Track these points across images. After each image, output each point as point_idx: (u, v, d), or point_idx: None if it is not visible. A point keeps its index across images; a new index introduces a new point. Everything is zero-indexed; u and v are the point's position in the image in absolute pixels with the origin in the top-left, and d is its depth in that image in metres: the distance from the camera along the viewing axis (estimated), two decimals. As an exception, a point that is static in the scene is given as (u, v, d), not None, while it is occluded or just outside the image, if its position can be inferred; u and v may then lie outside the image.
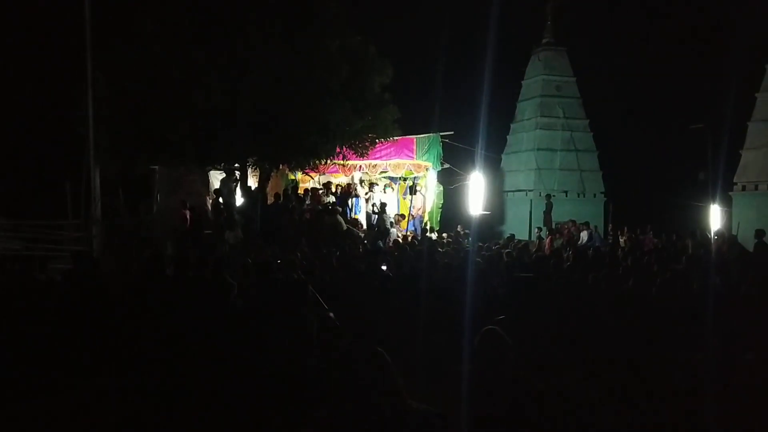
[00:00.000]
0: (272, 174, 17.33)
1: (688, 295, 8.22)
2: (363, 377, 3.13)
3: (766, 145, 20.85)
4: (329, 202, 17.93)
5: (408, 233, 18.30)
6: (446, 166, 21.32)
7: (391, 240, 16.50)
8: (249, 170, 16.77)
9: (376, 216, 18.42)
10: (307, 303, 6.24)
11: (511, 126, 28.80)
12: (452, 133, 21.07)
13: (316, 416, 3.77)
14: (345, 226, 16.23)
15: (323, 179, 20.32)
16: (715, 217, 18.76)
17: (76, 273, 7.44)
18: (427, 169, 21.16)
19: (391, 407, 3.06)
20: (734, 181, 21.87)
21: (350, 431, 2.98)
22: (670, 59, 34.37)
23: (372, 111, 16.44)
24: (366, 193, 20.16)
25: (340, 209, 17.35)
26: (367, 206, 19.69)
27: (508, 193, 27.86)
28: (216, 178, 17.86)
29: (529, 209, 23.97)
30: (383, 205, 18.83)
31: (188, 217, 15.28)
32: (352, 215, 18.82)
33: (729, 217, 20.33)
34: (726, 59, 21.74)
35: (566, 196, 26.19)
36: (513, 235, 18.98)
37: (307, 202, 17.27)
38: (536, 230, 21.18)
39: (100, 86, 13.74)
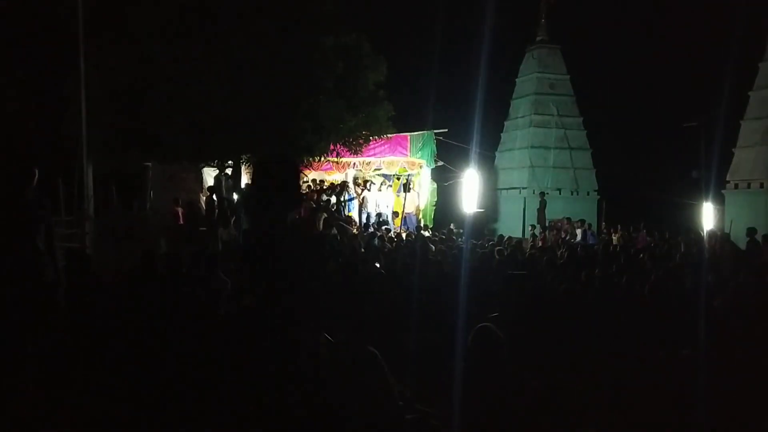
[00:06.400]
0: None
1: (680, 293, 8.24)
2: (356, 377, 3.16)
3: (758, 143, 20.92)
4: (325, 199, 17.92)
5: (401, 230, 18.31)
6: (440, 163, 21.34)
7: (386, 238, 16.48)
8: (243, 167, 16.72)
9: (377, 216, 18.50)
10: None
11: (505, 123, 28.80)
12: (446, 130, 21.11)
13: (309, 416, 3.75)
14: (337, 224, 16.20)
15: (316, 176, 20.29)
16: (707, 215, 18.78)
17: (69, 270, 7.40)
18: (421, 167, 21.17)
19: (384, 407, 3.09)
20: (727, 179, 21.93)
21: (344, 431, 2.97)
22: (663, 57, 34.48)
23: (366, 108, 16.40)
24: (359, 191, 20.10)
25: (335, 206, 17.35)
26: (365, 205, 19.67)
27: (502, 191, 27.85)
28: (209, 174, 17.81)
29: (522, 207, 23.97)
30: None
31: (180, 214, 15.23)
32: (346, 213, 18.82)
33: (722, 215, 20.37)
34: (719, 57, 21.77)
35: (560, 193, 26.21)
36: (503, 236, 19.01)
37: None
38: (530, 228, 21.20)
39: (92, 82, 13.65)
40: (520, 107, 27.87)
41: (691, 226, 19.35)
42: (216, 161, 16.27)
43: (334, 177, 20.78)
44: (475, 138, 19.61)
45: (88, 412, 4.88)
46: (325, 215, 16.03)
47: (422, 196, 21.18)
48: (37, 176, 4.82)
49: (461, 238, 16.52)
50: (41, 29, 14.79)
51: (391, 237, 15.41)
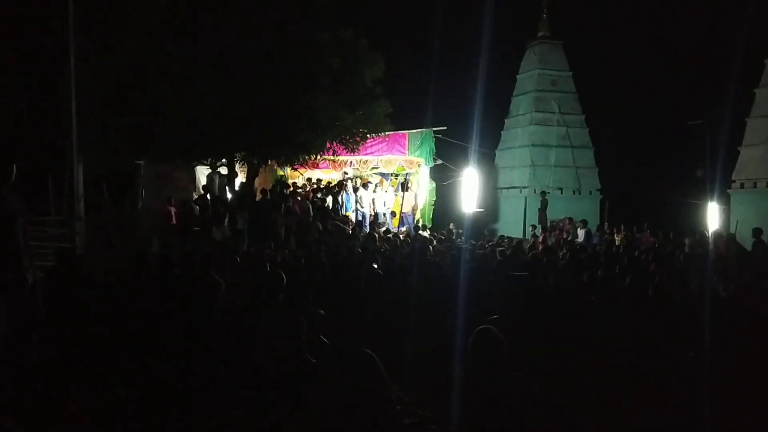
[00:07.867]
0: (260, 169, 17.06)
1: (685, 295, 8.06)
2: (352, 380, 3.16)
3: (765, 141, 20.76)
4: (319, 197, 17.72)
5: (400, 231, 18.09)
6: (439, 162, 21.19)
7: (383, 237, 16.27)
8: (237, 165, 16.50)
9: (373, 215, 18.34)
10: (296, 301, 6.05)
11: (506, 121, 28.65)
12: (445, 128, 20.95)
13: (305, 419, 3.60)
14: (333, 222, 16.03)
15: (311, 175, 20.09)
16: (713, 215, 18.67)
17: (59, 270, 7.23)
18: (419, 165, 21.02)
19: (382, 411, 3.08)
20: (733, 178, 21.76)
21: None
22: (668, 54, 34.32)
23: (363, 105, 16.21)
24: (355, 189, 19.86)
25: (331, 206, 17.15)
26: (358, 204, 19.44)
27: (502, 190, 27.72)
28: (203, 173, 17.63)
29: (523, 206, 23.84)
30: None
31: (173, 213, 15.06)
32: (343, 212, 18.59)
33: (727, 214, 20.25)
34: (725, 54, 21.59)
35: (561, 193, 26.05)
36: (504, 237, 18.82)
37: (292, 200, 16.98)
38: (531, 228, 20.97)
39: (84, 79, 13.46)
40: (520, 104, 27.68)
41: (696, 226, 19.15)
42: (209, 159, 16.04)
43: (331, 176, 20.56)
44: (475, 136, 19.48)
45: (81, 411, 4.76)
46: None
47: (421, 195, 20.98)
48: (15, 173, 4.83)
49: (461, 238, 16.30)
50: (32, 28, 14.63)
51: (388, 237, 15.18)
